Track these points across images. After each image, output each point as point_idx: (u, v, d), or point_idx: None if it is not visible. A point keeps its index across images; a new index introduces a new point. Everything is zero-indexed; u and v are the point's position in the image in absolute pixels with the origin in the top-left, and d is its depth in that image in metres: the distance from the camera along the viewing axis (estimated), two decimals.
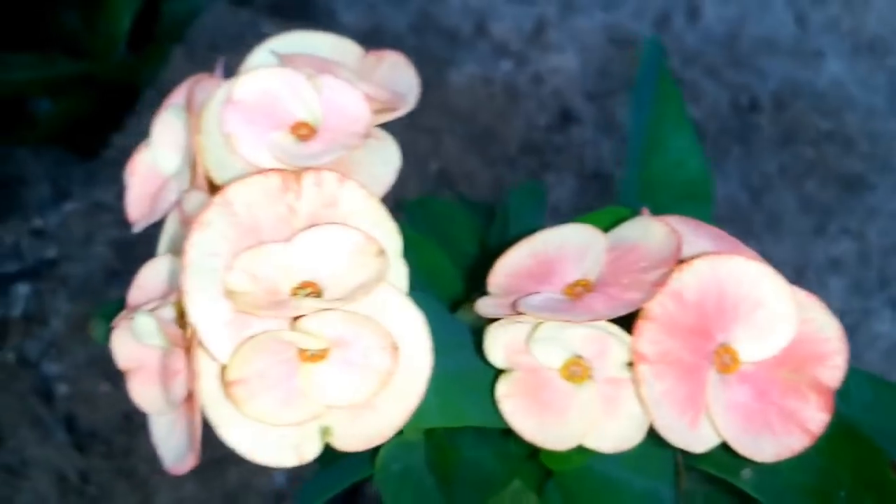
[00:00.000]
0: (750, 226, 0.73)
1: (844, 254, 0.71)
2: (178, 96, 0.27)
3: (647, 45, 0.38)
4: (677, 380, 0.24)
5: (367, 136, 0.26)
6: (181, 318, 0.24)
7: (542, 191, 0.41)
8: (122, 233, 0.67)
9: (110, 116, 0.74)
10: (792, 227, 0.73)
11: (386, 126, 0.27)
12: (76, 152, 0.73)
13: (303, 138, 0.26)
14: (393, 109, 0.27)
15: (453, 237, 0.36)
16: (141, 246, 0.67)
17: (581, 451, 0.26)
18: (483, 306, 0.26)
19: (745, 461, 0.25)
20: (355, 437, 0.24)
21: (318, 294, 0.24)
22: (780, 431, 0.24)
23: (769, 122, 0.77)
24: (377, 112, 0.27)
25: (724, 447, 0.24)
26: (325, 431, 0.24)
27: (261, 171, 0.24)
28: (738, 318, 0.24)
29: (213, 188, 0.25)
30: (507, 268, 0.27)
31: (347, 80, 0.26)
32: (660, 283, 0.24)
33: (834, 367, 0.25)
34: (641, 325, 0.24)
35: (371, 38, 0.29)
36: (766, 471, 0.27)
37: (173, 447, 0.25)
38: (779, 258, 0.64)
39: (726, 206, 0.73)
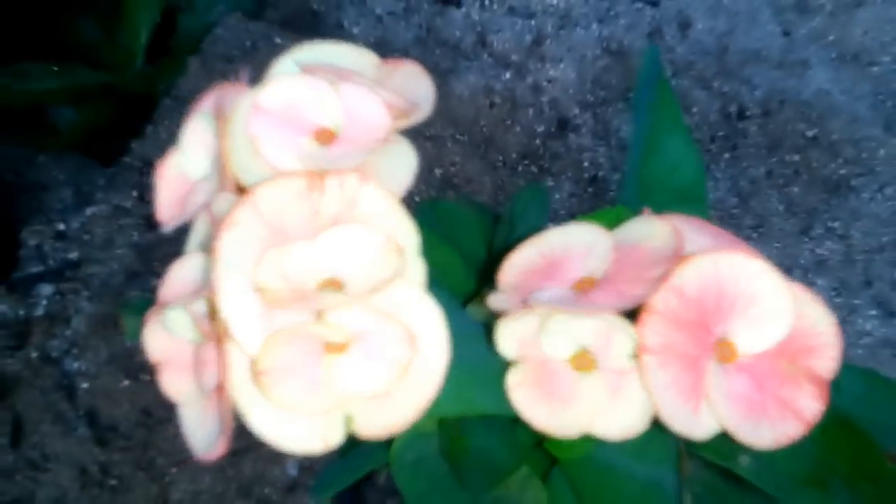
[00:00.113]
0: (739, 228, 0.74)
1: (829, 254, 0.73)
2: (206, 103, 0.28)
3: (646, 55, 0.39)
4: (680, 370, 0.25)
5: (386, 140, 0.27)
6: (212, 313, 0.25)
7: (546, 193, 0.42)
8: (142, 236, 0.69)
9: (129, 124, 0.75)
10: (779, 229, 0.74)
11: None
12: (96, 159, 0.74)
13: (325, 143, 0.27)
14: (407, 116, 0.28)
15: (462, 237, 0.37)
16: (160, 248, 0.69)
17: (586, 439, 0.27)
18: (494, 301, 0.27)
19: (744, 449, 0.26)
20: (377, 425, 0.25)
21: (340, 289, 0.25)
22: (777, 419, 0.25)
23: (757, 129, 0.79)
24: (393, 119, 0.28)
25: (724, 435, 0.25)
26: (348, 420, 0.25)
27: (286, 174, 0.25)
28: (738, 311, 0.25)
29: (241, 191, 0.26)
30: (517, 265, 0.28)
31: (368, 88, 0.27)
32: (663, 279, 0.25)
33: (828, 359, 0.26)
34: (646, 319, 0.25)
35: (377, 50, 0.30)
36: (764, 459, 0.28)
37: (204, 436, 0.25)
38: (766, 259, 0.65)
39: (716, 209, 0.75)
